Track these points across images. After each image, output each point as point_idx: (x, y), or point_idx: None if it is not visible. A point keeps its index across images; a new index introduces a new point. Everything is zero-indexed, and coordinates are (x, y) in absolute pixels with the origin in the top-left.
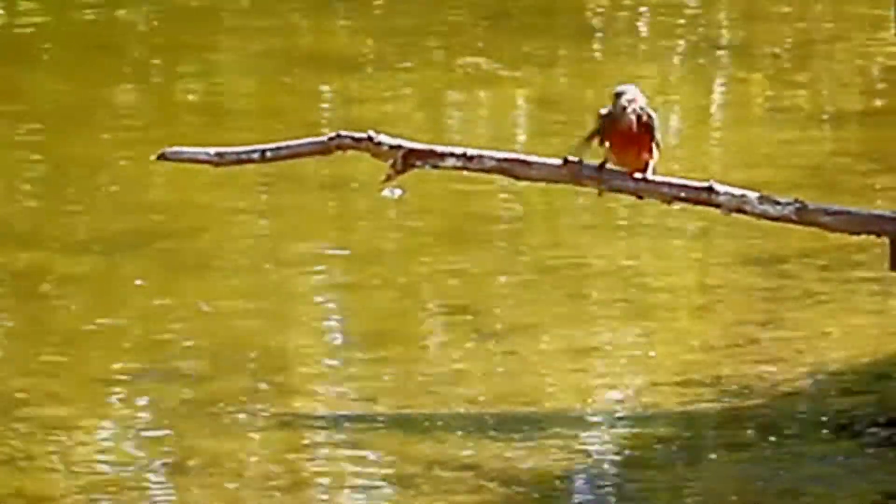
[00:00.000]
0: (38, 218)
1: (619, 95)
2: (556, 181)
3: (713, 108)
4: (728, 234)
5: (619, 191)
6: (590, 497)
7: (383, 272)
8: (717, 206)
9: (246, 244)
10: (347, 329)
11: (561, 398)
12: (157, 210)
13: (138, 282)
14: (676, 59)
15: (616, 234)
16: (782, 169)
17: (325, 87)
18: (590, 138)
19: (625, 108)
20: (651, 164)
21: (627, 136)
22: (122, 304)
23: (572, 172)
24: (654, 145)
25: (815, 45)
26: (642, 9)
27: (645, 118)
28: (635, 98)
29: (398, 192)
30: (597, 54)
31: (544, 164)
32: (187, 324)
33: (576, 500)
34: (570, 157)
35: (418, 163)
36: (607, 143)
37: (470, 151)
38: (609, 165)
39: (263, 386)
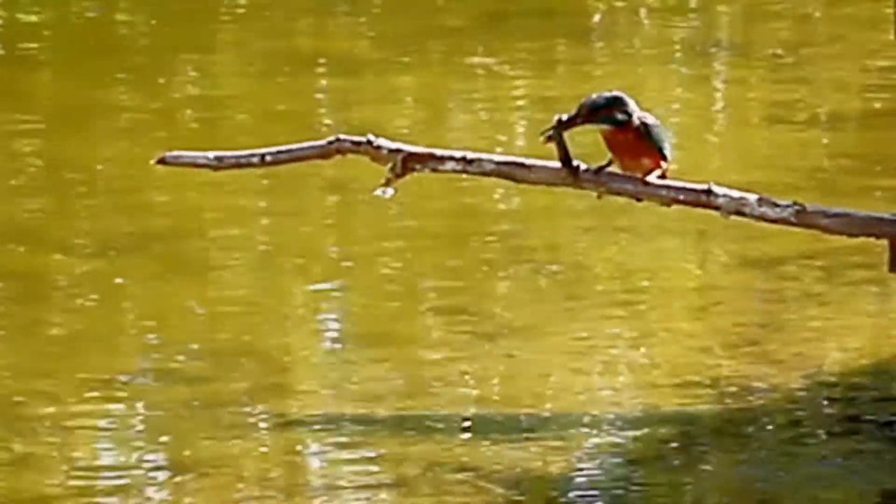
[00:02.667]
0: (38, 219)
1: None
2: (556, 184)
3: (712, 110)
4: (727, 237)
5: (619, 193)
6: (589, 498)
7: (382, 273)
8: (716, 208)
9: (245, 245)
10: (346, 330)
11: (560, 399)
12: (157, 211)
13: (119, 280)
14: (675, 60)
15: (615, 236)
16: (781, 171)
17: (324, 89)
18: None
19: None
20: (655, 172)
21: (625, 144)
22: (121, 305)
23: (571, 175)
24: (659, 155)
25: (814, 46)
26: (641, 9)
27: (640, 128)
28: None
29: (390, 190)
30: (596, 55)
31: (544, 168)
32: (186, 325)
33: (575, 502)
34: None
35: (418, 166)
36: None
37: (469, 155)
38: (609, 169)
39: (262, 387)
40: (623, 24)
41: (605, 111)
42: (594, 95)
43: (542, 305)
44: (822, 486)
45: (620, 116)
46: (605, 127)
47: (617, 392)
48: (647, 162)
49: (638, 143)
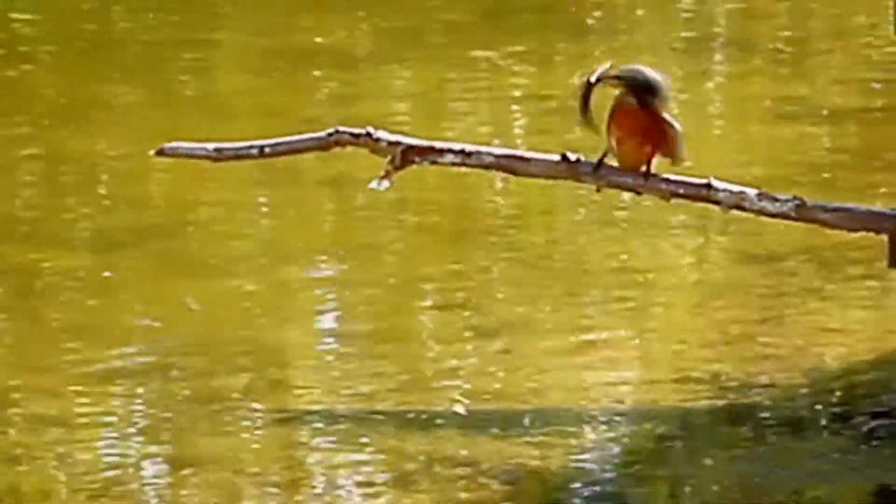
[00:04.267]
0: (35, 214)
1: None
2: (555, 177)
3: (711, 105)
4: (726, 231)
5: (618, 187)
6: (587, 494)
7: (381, 269)
8: (716, 202)
9: (244, 240)
10: (345, 326)
11: (558, 395)
12: (155, 206)
13: (116, 275)
14: (674, 56)
15: (614, 231)
16: (781, 166)
17: (323, 83)
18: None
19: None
20: (653, 160)
21: (631, 117)
22: (118, 300)
23: (570, 168)
24: (666, 125)
25: (814, 41)
26: (640, 4)
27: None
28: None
29: (385, 183)
30: (594, 50)
31: (542, 161)
32: (184, 320)
33: (573, 497)
34: (569, 154)
35: (417, 159)
36: (612, 131)
37: (468, 148)
38: (608, 161)
39: (261, 383)
40: (622, 18)
41: (645, 90)
42: (648, 72)
43: (540, 300)
44: (820, 481)
45: (649, 98)
46: (632, 101)
47: (615, 387)
48: (648, 150)
49: (651, 128)
